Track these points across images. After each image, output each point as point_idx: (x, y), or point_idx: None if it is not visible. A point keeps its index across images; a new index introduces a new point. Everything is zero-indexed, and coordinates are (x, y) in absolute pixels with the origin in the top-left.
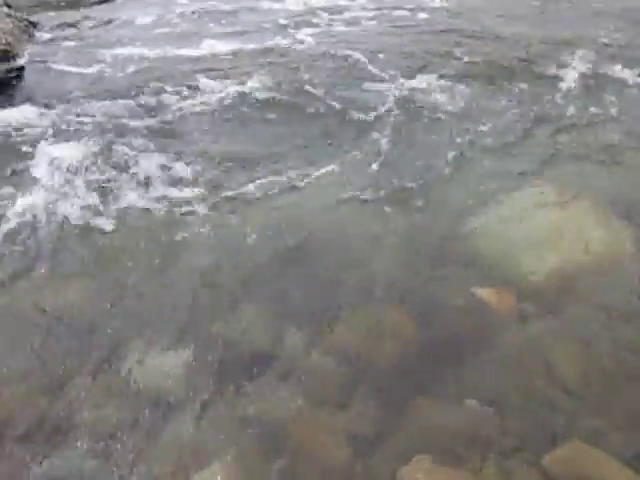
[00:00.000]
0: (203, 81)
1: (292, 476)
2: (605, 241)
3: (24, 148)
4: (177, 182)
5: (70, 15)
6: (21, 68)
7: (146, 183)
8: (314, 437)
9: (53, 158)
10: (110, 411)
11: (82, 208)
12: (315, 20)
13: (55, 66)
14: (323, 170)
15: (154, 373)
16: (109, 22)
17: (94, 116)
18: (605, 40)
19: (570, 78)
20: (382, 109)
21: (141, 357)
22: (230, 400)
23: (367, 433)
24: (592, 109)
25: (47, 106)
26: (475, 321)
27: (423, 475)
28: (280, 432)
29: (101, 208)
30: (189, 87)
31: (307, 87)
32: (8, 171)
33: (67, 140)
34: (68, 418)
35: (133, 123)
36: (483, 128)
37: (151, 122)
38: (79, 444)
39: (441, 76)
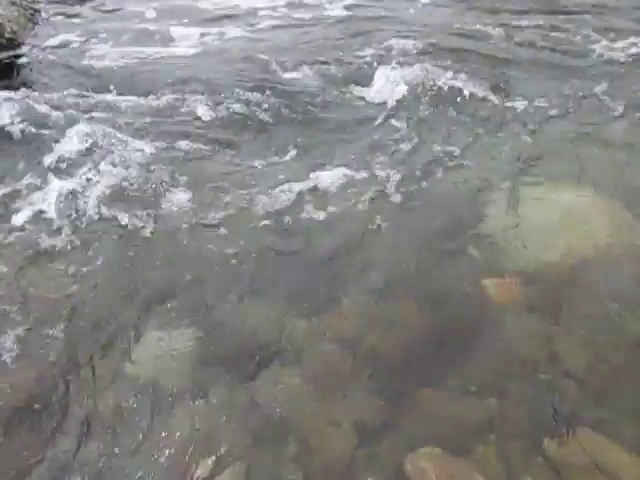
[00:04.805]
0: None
1: (297, 466)
2: (612, 232)
3: (27, 136)
4: (177, 175)
5: (75, 2)
6: (26, 56)
7: (149, 175)
8: (319, 427)
9: (56, 147)
10: (116, 399)
11: (87, 199)
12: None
13: (59, 54)
14: (325, 160)
15: (159, 362)
16: (114, 10)
17: (97, 107)
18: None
19: (580, 68)
20: (384, 98)
21: (147, 346)
22: (235, 389)
23: (372, 423)
24: (599, 100)
25: (51, 94)
26: (480, 311)
27: (428, 464)
28: (285, 422)
29: (105, 199)
30: (192, 80)
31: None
32: (13, 159)
33: (70, 129)
34: (73, 404)
35: (135, 114)
36: (489, 119)
37: (148, 111)
38: (84, 431)
39: (444, 66)
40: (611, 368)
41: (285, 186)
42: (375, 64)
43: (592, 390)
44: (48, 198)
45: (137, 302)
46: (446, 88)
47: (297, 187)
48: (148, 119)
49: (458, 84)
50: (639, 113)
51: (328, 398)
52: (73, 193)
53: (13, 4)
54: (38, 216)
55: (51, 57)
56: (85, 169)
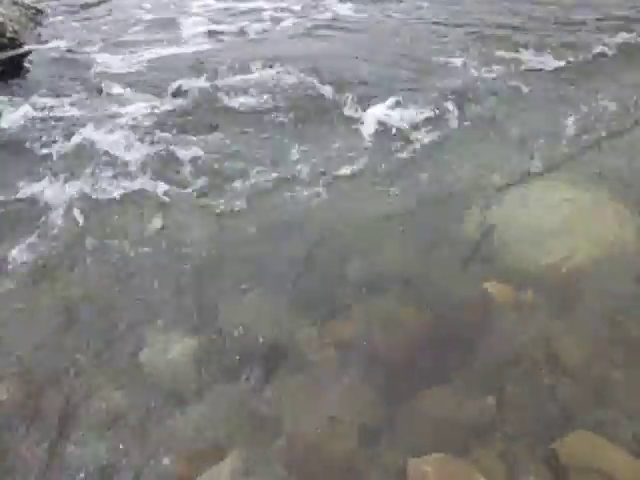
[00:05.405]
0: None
1: (298, 466)
2: (614, 233)
3: (28, 137)
4: (183, 174)
5: (76, 2)
6: (27, 56)
7: (152, 174)
8: (319, 428)
9: (57, 147)
10: (119, 399)
11: (90, 198)
12: None
13: (61, 54)
14: (324, 166)
15: (162, 362)
16: (116, 9)
17: (99, 107)
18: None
19: (586, 71)
20: (387, 98)
21: (150, 347)
22: (236, 390)
23: (374, 424)
24: (607, 101)
25: (52, 95)
26: (482, 312)
27: (429, 466)
28: (285, 423)
29: (108, 199)
30: (199, 76)
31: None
32: (17, 158)
33: (72, 129)
34: (78, 404)
35: (136, 116)
36: (494, 119)
37: (152, 111)
38: (88, 430)
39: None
40: (612, 369)
41: (286, 187)
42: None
43: (593, 391)
44: (50, 197)
45: (138, 303)
46: (455, 90)
47: (301, 184)
48: (149, 119)
49: (471, 85)
50: None
51: (329, 399)
52: (75, 193)
53: (15, 4)
54: (38, 217)
55: (52, 57)
56: (86, 170)
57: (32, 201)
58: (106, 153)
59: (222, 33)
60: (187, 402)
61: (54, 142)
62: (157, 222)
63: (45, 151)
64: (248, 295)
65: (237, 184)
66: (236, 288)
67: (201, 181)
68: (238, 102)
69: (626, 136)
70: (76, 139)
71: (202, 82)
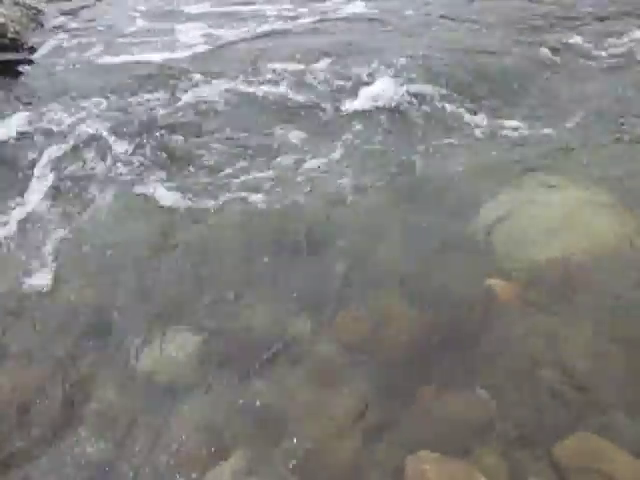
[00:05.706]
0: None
1: (297, 465)
2: (616, 232)
3: (30, 138)
4: (182, 175)
5: (79, 2)
6: (29, 57)
7: (152, 177)
8: (319, 425)
9: (58, 151)
10: (120, 398)
11: (91, 203)
12: None
13: (63, 55)
14: (328, 160)
15: (164, 361)
16: (117, 9)
17: (101, 108)
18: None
19: (584, 67)
20: (386, 99)
21: (151, 346)
22: (236, 389)
23: (373, 422)
24: (607, 99)
25: (54, 96)
26: (482, 311)
27: (429, 465)
28: (285, 421)
29: (109, 203)
30: (199, 79)
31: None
32: (17, 160)
33: (72, 133)
34: (78, 404)
35: (140, 116)
36: (492, 118)
37: (154, 114)
38: (88, 429)
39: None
40: (613, 369)
41: (284, 186)
42: None
43: (594, 391)
44: (55, 198)
45: (140, 302)
46: (452, 90)
47: (303, 183)
48: (153, 120)
49: (466, 86)
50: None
51: (329, 397)
52: (75, 192)
53: (16, 4)
54: (40, 218)
55: (54, 57)
56: (86, 170)
57: (25, 204)
58: (108, 154)
59: (224, 34)
60: (189, 402)
61: (54, 144)
62: (158, 222)
63: (45, 154)
64: (249, 294)
65: (239, 183)
66: (237, 287)
67: (202, 181)
68: (250, 100)
69: (627, 135)
70: (76, 140)
71: (206, 81)
